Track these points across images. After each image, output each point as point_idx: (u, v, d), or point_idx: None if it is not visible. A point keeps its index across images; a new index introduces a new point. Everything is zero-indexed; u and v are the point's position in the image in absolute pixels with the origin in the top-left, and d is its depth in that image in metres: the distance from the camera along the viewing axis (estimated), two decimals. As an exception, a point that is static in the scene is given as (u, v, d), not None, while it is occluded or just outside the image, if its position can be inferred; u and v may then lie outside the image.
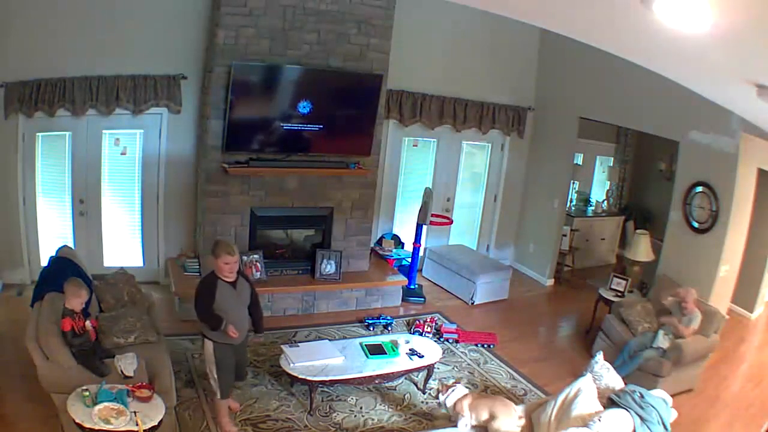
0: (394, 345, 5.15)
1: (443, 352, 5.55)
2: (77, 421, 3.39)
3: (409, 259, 7.36)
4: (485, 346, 6.10)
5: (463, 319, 6.74)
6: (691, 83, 4.38)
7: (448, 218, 7.97)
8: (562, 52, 7.62)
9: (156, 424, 3.55)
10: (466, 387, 4.52)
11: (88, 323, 4.05)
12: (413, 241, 7.18)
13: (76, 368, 3.86)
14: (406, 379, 5.25)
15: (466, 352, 5.97)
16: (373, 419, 4.74)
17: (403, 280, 7.01)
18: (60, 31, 5.64)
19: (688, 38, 2.69)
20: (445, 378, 5.30)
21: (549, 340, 6.80)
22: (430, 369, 5.16)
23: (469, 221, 8.50)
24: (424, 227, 7.17)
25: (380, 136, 6.85)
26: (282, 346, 4.96)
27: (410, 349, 5.13)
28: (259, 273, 6.24)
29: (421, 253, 7.46)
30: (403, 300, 7.02)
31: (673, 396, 4.17)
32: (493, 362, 5.84)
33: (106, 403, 3.49)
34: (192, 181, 6.52)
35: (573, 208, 9.25)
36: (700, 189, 6.20)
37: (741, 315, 7.54)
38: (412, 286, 7.15)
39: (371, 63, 6.35)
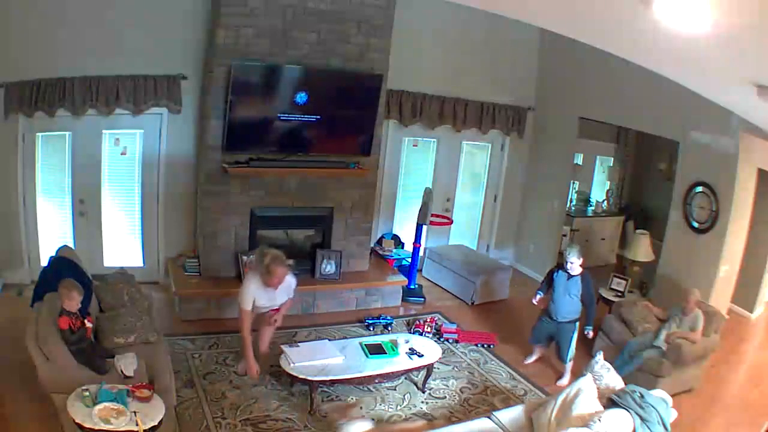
0: (394, 345, 5.15)
1: (443, 352, 5.55)
2: (77, 421, 3.38)
3: (409, 259, 7.35)
4: (485, 346, 6.10)
5: (463, 319, 6.73)
6: (691, 83, 4.39)
7: (448, 218, 7.96)
8: (562, 52, 7.61)
9: (156, 424, 3.55)
10: (371, 419, 4.23)
11: (86, 322, 4.04)
12: (413, 241, 7.17)
13: (76, 368, 3.86)
14: (406, 378, 5.25)
15: (466, 352, 5.97)
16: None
17: (403, 280, 7.01)
18: (60, 31, 5.63)
19: (688, 38, 2.70)
20: (444, 383, 5.29)
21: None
22: (429, 368, 5.16)
23: (469, 221, 8.50)
24: (424, 227, 7.17)
25: (380, 136, 6.85)
26: (282, 346, 4.96)
27: (410, 349, 5.14)
28: (259, 273, 6.23)
29: (421, 253, 7.45)
30: (403, 300, 7.01)
31: (673, 396, 4.17)
32: (493, 362, 5.84)
33: (106, 403, 3.48)
34: (192, 181, 6.51)
35: (573, 208, 9.23)
36: (700, 189, 6.19)
37: (741, 315, 7.52)
38: (412, 286, 7.15)
39: (371, 63, 6.34)
